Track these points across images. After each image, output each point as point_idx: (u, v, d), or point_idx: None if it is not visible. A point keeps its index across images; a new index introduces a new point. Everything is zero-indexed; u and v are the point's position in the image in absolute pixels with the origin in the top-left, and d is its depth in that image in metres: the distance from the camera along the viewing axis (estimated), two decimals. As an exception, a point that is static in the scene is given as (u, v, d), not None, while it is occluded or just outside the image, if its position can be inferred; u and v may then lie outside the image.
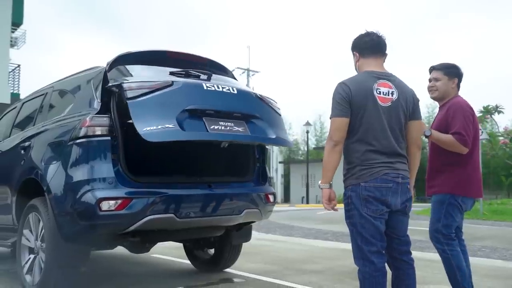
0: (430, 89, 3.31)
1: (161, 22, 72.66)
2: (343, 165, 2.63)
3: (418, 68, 59.51)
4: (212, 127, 3.24)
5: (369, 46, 2.66)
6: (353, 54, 2.75)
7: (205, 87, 3.33)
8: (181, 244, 4.80)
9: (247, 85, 33.36)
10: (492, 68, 62.63)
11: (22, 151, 3.85)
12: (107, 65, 3.44)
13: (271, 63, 66.03)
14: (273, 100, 3.84)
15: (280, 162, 39.47)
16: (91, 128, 3.14)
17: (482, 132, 12.45)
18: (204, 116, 3.26)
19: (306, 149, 32.68)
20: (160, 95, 3.13)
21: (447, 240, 3.06)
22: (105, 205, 3.02)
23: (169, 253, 5.68)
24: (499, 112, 14.56)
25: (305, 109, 64.88)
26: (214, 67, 3.94)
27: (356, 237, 2.54)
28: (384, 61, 2.69)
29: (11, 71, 19.96)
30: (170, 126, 3.04)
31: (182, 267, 4.93)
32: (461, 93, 3.29)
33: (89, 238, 3.26)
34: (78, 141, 3.17)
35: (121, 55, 3.50)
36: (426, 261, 5.12)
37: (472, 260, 5.43)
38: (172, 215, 3.22)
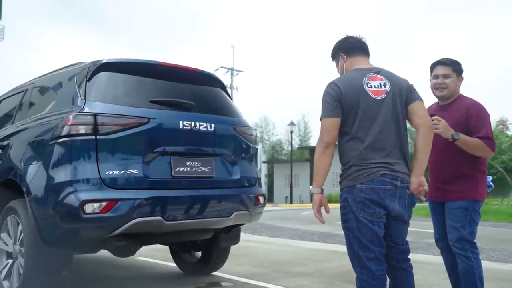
0: (438, 87, 3.00)
1: (145, 21, 71.84)
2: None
3: (407, 68, 60.07)
4: (177, 169, 3.27)
5: (356, 45, 2.62)
6: (339, 57, 2.67)
7: (181, 126, 3.30)
8: (166, 247, 4.66)
9: (231, 84, 33.23)
10: (480, 68, 63.70)
11: (0, 151, 3.67)
12: (94, 65, 3.29)
13: (255, 63, 65.99)
14: (250, 129, 3.89)
15: (264, 162, 39.42)
16: (75, 127, 2.99)
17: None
18: (173, 155, 3.27)
19: (290, 149, 32.70)
20: (133, 135, 3.10)
21: (473, 248, 2.88)
22: (89, 208, 2.87)
23: (154, 255, 5.53)
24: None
25: (289, 109, 65.00)
26: (204, 78, 3.86)
27: (352, 243, 2.42)
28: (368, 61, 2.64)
29: (-11, 68, 19.40)
30: (134, 172, 3.05)
31: (167, 270, 4.79)
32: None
33: (72, 242, 3.11)
34: (60, 140, 3.01)
35: (110, 62, 3.35)
36: (416, 262, 5.07)
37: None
38: (159, 217, 3.09)
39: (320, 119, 2.46)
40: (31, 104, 3.82)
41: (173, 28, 73.41)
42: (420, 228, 8.34)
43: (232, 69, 34.08)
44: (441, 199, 3.02)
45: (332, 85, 2.46)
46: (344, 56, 2.63)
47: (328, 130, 2.42)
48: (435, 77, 3.02)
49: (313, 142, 46.16)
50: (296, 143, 42.27)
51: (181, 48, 67.08)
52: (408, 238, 2.63)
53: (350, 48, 2.62)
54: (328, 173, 2.48)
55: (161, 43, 68.32)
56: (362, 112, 2.40)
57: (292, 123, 29.58)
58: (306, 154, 37.58)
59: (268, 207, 24.57)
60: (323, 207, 2.52)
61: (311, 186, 2.54)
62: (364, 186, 2.36)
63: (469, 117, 2.89)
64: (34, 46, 66.23)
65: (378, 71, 2.53)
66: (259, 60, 68.14)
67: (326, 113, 2.43)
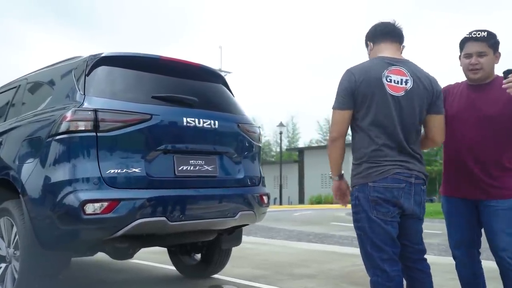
0: (472, 68, 2.48)
1: (133, 22, 71.32)
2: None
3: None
4: (180, 167, 3.15)
5: (382, 30, 2.43)
6: (367, 46, 2.51)
7: (184, 123, 3.17)
8: (162, 249, 4.50)
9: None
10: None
11: None
12: (93, 58, 3.14)
13: (243, 64, 65.97)
14: (254, 127, 3.76)
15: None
16: (74, 123, 2.83)
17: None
18: (175, 153, 3.13)
19: (279, 150, 32.63)
20: (135, 132, 2.96)
21: None
22: (89, 208, 2.72)
23: (151, 258, 5.36)
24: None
25: (277, 110, 65.08)
26: (206, 73, 3.73)
27: (365, 243, 2.30)
28: (401, 50, 2.44)
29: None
30: (137, 170, 2.91)
31: (165, 274, 4.63)
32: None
33: (71, 245, 2.95)
34: (58, 137, 2.85)
35: (109, 55, 3.20)
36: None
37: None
38: (163, 218, 2.95)
39: (332, 108, 2.36)
40: (25, 100, 3.64)
41: (161, 29, 73.08)
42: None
43: (220, 70, 33.86)
44: (478, 197, 2.50)
45: (348, 74, 2.31)
46: (371, 44, 2.47)
47: (335, 122, 2.32)
48: (467, 56, 2.50)
49: (301, 143, 46.24)
50: (284, 144, 42.24)
51: (169, 48, 66.68)
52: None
53: (376, 34, 2.44)
54: (341, 163, 2.41)
55: (149, 43, 67.82)
56: (376, 107, 2.26)
57: (281, 124, 29.51)
58: (295, 155, 37.52)
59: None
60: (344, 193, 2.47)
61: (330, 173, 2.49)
62: (377, 184, 2.23)
63: None
64: (19, 46, 65.28)
65: (405, 64, 2.34)
66: (247, 61, 68.20)
67: (336, 104, 2.32)
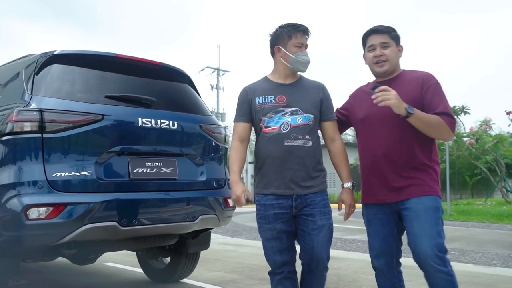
0: (378, 61, 2.43)
1: (132, 22, 71.20)
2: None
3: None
4: (136, 170, 3.01)
5: None
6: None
7: (139, 123, 3.03)
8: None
9: (217, 85, 32.87)
10: (464, 71, 64.29)
11: None
12: (44, 56, 3.01)
13: (241, 63, 65.73)
14: (219, 128, 3.62)
15: (250, 163, 39.17)
16: (19, 124, 2.71)
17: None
18: (130, 155, 3.00)
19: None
20: (85, 133, 2.82)
21: (448, 259, 2.33)
22: (33, 213, 2.60)
23: (124, 261, 5.25)
24: (465, 113, 14.77)
25: (275, 109, 64.73)
26: (169, 73, 3.57)
27: None
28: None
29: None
30: (86, 173, 2.78)
31: (135, 277, 4.52)
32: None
33: (16, 251, 2.83)
34: (3, 138, 2.73)
35: (62, 53, 3.06)
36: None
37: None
38: (114, 223, 2.83)
39: None
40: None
41: (160, 28, 72.91)
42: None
43: (218, 69, 33.68)
44: (394, 199, 2.39)
45: None
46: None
47: None
48: (371, 48, 2.46)
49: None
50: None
51: (168, 47, 66.65)
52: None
53: None
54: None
55: (148, 43, 67.74)
56: None
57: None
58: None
59: (253, 207, 24.11)
60: None
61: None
62: None
63: (424, 91, 2.34)
64: (21, 46, 65.21)
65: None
66: (246, 60, 67.95)
67: None
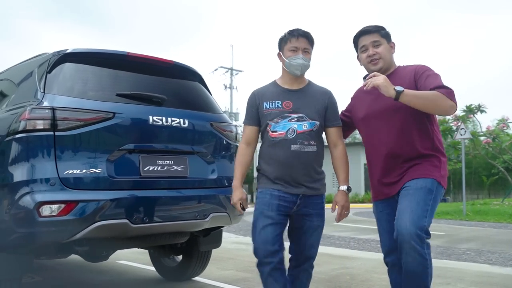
0: (372, 60, 2.48)
1: (147, 20, 71.82)
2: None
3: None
4: (147, 168, 3.02)
5: None
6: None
7: (150, 121, 3.04)
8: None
9: (231, 84, 32.95)
10: (480, 69, 63.38)
11: None
12: (57, 55, 3.04)
13: (255, 62, 65.85)
14: (230, 126, 3.61)
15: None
16: (31, 122, 2.73)
17: (465, 131, 12.32)
18: (141, 153, 3.01)
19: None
20: (96, 131, 2.84)
21: (428, 244, 2.32)
22: (45, 210, 2.62)
23: (137, 259, 5.28)
24: (482, 111, 14.56)
25: (289, 109, 64.67)
26: (180, 71, 3.58)
27: None
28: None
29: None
30: (97, 171, 2.80)
31: (148, 276, 4.54)
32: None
33: (29, 248, 2.86)
34: (16, 136, 2.75)
35: (74, 52, 3.09)
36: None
37: (458, 264, 5.23)
38: (125, 220, 2.84)
39: None
40: (-6, 99, 3.57)
41: (173, 27, 73.37)
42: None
43: (231, 69, 33.80)
44: (396, 190, 2.43)
45: None
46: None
47: None
48: (364, 49, 2.52)
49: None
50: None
51: (181, 47, 67.09)
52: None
53: None
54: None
55: (161, 43, 68.24)
56: None
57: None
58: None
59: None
60: None
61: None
62: None
63: (417, 79, 2.37)
64: (35, 46, 66.25)
65: None
66: (259, 59, 67.98)
67: None
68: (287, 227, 2.64)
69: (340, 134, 2.66)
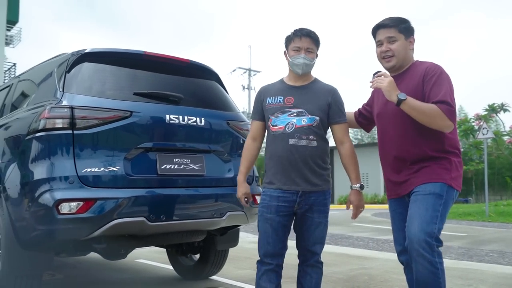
0: (385, 55, 2.44)
1: (165, 21, 72.51)
2: None
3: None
4: (163, 166, 3.05)
5: None
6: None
7: (167, 120, 3.07)
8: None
9: (249, 85, 32.99)
10: (497, 66, 62.05)
11: None
12: (75, 55, 3.09)
13: (273, 63, 65.81)
14: (247, 124, 3.58)
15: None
16: (51, 120, 2.78)
17: (487, 131, 12.06)
18: (158, 151, 3.03)
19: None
20: (114, 129, 2.88)
21: (439, 251, 2.25)
22: (64, 208, 2.66)
23: (154, 258, 5.32)
24: (505, 110, 14.19)
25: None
26: (196, 70, 3.60)
27: None
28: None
29: (7, 70, 19.72)
30: (115, 169, 2.83)
31: (165, 274, 4.57)
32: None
33: (49, 245, 2.90)
34: (36, 135, 2.81)
35: (93, 52, 3.14)
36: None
37: (480, 266, 5.12)
38: (142, 218, 2.86)
39: None
40: (15, 99, 3.65)
41: (191, 28, 73.93)
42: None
43: (249, 70, 33.85)
44: (406, 191, 2.40)
45: None
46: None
47: None
48: (379, 44, 2.47)
49: (331, 142, 45.54)
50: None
51: (198, 48, 67.49)
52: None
53: None
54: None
55: (179, 43, 68.84)
56: None
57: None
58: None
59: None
60: None
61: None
62: None
63: (425, 81, 2.31)
64: (52, 47, 67.52)
65: None
66: (277, 60, 67.88)
67: None
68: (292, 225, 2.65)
69: (346, 132, 2.63)
